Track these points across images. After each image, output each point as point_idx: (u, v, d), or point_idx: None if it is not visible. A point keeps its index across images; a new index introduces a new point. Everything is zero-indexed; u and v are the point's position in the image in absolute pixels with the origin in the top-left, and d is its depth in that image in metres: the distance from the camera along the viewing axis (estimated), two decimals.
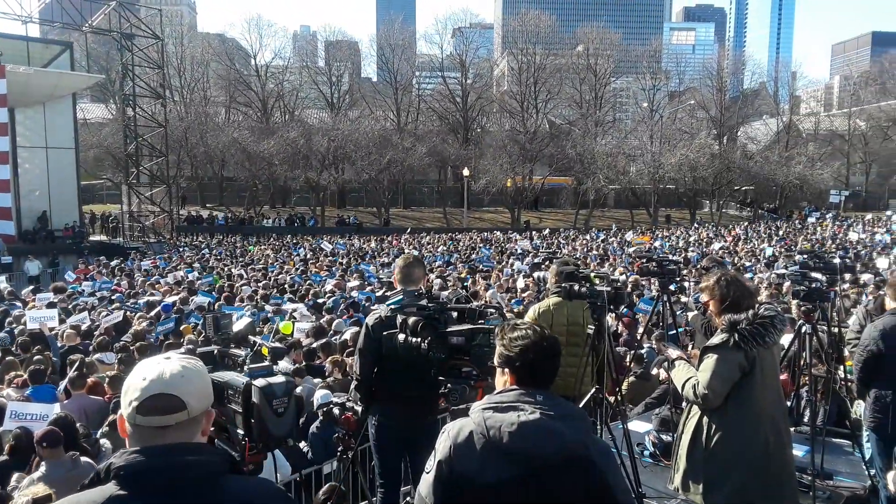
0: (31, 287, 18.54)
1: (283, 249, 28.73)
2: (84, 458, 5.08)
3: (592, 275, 4.33)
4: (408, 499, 4.64)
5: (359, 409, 4.89)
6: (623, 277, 13.95)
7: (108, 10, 31.76)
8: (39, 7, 30.63)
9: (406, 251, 25.35)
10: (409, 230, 37.51)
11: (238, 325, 2.83)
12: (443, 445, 2.14)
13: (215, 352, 2.38)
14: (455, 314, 3.01)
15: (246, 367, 2.18)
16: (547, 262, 14.27)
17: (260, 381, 2.07)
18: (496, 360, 2.29)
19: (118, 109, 42.68)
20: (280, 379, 2.08)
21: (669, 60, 68.95)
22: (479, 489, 2.06)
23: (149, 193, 35.93)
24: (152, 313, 12.22)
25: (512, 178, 46.95)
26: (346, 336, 9.03)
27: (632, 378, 7.57)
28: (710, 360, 3.41)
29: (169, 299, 13.64)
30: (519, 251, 24.90)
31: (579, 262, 6.52)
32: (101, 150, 44.07)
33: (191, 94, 55.12)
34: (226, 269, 21.05)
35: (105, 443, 5.96)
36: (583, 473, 2.09)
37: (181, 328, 10.67)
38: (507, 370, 2.24)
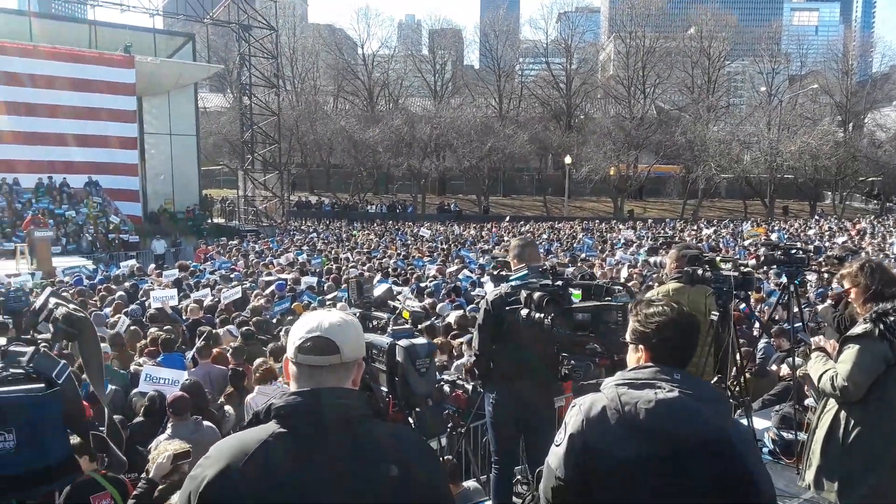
0: (157, 264, 19.96)
1: (385, 234, 29.37)
2: (206, 423, 5.41)
3: (718, 259, 4.15)
4: (517, 477, 4.65)
5: (469, 386, 4.92)
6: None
7: (228, 2, 33.43)
8: (164, 1, 32.68)
9: (505, 239, 25.34)
10: (508, 218, 37.41)
11: (378, 291, 2.92)
12: (574, 419, 2.11)
13: (358, 314, 2.48)
14: (579, 291, 2.97)
15: (389, 329, 2.27)
16: (665, 247, 13.82)
17: (404, 342, 2.16)
18: (629, 337, 2.23)
19: (235, 98, 44.88)
20: (423, 340, 2.15)
21: (790, 42, 64.76)
22: (613, 465, 2.02)
23: (262, 179, 37.70)
24: (267, 291, 12.81)
25: (616, 166, 45.77)
26: (450, 319, 9.13)
27: (747, 374, 7.25)
28: (852, 351, 3.20)
29: (284, 276, 14.32)
30: (622, 241, 24.27)
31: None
32: (219, 137, 46.60)
33: (302, 83, 57.27)
34: (332, 252, 21.76)
35: (229, 409, 6.32)
36: (722, 457, 2.01)
37: (293, 306, 11.10)
38: (641, 347, 2.18)
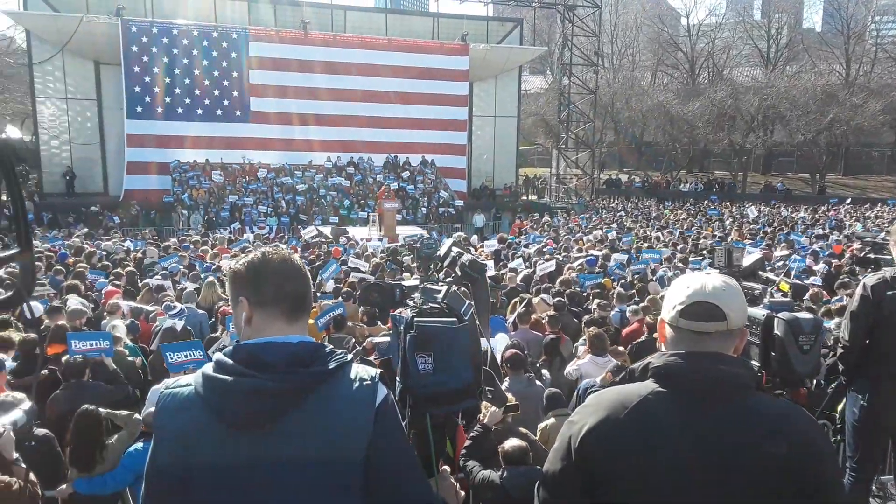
0: (477, 236, 21.77)
1: (699, 214, 27.83)
2: (537, 382, 5.84)
3: None
4: (873, 488, 4.14)
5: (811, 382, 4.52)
6: None
7: None
8: None
9: (847, 223, 22.14)
10: (849, 200, 32.54)
11: (748, 260, 2.79)
12: None
13: None
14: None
15: (765, 300, 2.17)
16: None
17: (785, 314, 2.02)
18: None
19: (554, 79, 46.12)
20: (807, 315, 2.00)
21: None
22: None
23: (574, 157, 38.36)
24: (576, 264, 13.16)
25: None
26: None
27: None
28: None
29: (594, 252, 14.60)
30: None
31: None
32: (536, 118, 48.39)
33: (620, 59, 56.60)
34: (642, 230, 21.38)
35: (546, 373, 6.74)
36: None
37: (603, 281, 11.27)
38: None
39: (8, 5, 28.18)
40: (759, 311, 2.15)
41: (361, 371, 1.66)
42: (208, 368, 1.61)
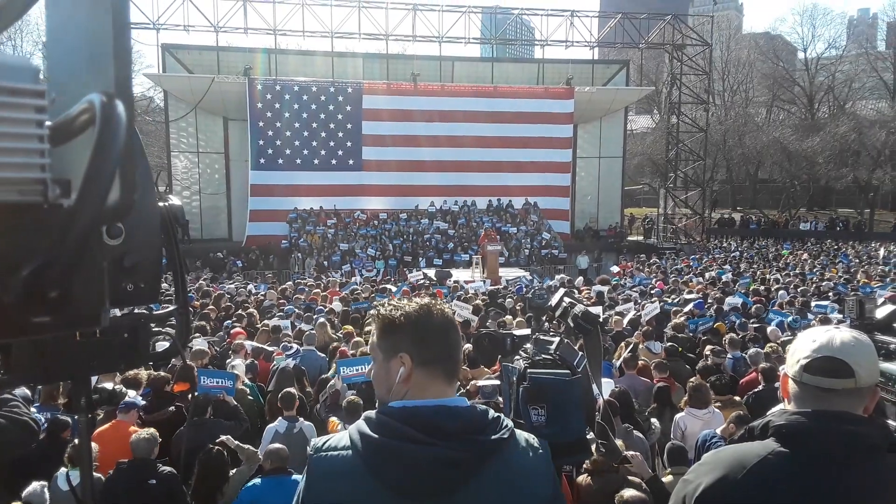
0: (581, 278, 21.44)
1: (822, 255, 26.17)
2: (636, 433, 5.68)
3: None
4: None
5: None
6: None
7: (664, 24, 33.94)
8: (604, 33, 34.95)
9: None
10: None
11: (882, 311, 2.63)
12: None
13: None
14: None
15: None
16: None
17: None
18: None
19: (661, 118, 45.21)
20: None
21: None
22: None
23: (684, 197, 37.20)
24: (687, 309, 12.70)
25: None
26: None
27: None
28: None
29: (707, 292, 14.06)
30: None
31: None
32: (643, 157, 47.41)
33: (732, 96, 54.91)
34: (758, 272, 20.36)
35: (655, 422, 6.51)
36: None
37: (715, 326, 10.83)
38: None
39: (149, 69, 31.07)
40: (894, 367, 2.03)
41: (529, 438, 1.60)
42: (365, 428, 1.49)
